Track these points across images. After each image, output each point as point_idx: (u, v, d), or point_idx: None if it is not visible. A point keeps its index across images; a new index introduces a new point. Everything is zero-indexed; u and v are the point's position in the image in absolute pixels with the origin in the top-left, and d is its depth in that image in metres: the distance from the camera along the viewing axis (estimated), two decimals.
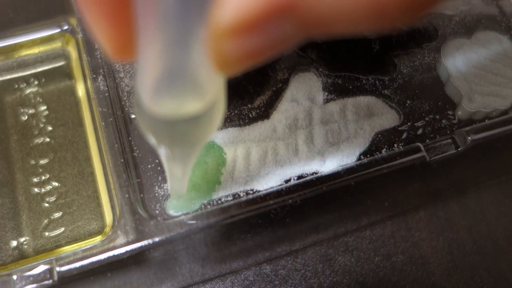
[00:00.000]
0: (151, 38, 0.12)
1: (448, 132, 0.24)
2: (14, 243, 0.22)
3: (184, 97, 0.13)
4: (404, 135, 0.24)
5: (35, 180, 0.23)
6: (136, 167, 0.23)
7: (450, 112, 0.25)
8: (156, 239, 0.20)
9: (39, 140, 0.24)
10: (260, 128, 0.24)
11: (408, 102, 0.25)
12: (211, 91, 0.13)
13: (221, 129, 0.24)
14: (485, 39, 0.28)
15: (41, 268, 0.20)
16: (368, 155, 0.23)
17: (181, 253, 0.23)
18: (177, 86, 0.13)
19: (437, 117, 0.25)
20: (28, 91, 0.26)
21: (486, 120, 0.25)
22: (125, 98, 0.24)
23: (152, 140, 0.15)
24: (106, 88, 0.24)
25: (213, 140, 0.24)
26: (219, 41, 0.11)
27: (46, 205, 0.23)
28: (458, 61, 0.26)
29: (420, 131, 0.24)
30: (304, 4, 0.10)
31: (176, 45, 0.12)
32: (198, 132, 0.15)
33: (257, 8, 0.10)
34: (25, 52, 0.26)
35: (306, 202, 0.22)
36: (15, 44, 0.26)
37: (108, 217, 0.23)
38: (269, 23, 0.10)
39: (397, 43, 0.26)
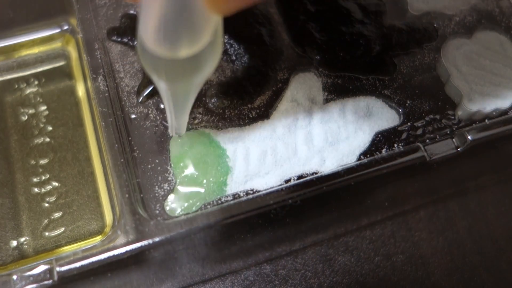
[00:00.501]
0: None
1: (448, 132, 0.24)
2: (14, 243, 0.22)
3: (182, 37, 0.14)
4: (404, 135, 0.24)
5: (35, 180, 0.23)
6: (136, 167, 0.23)
7: (450, 112, 0.25)
8: (156, 239, 0.20)
9: (39, 140, 0.24)
10: (260, 128, 0.24)
11: (408, 102, 0.25)
12: (207, 32, 0.15)
13: (221, 129, 0.24)
14: (485, 39, 0.27)
15: (41, 268, 0.20)
16: (368, 155, 0.23)
17: (181, 253, 0.23)
18: (175, 27, 0.14)
19: (437, 117, 0.25)
20: (28, 91, 0.26)
21: (486, 120, 0.25)
22: (125, 98, 0.24)
23: (153, 77, 0.16)
24: (106, 88, 0.24)
25: (213, 140, 0.24)
26: None
27: (46, 205, 0.23)
28: (458, 61, 0.26)
29: (420, 131, 0.24)
30: None
31: None
32: (195, 69, 0.16)
33: None
34: (25, 52, 0.26)
35: (306, 202, 0.22)
36: (15, 44, 0.26)
37: (108, 217, 0.23)
38: None
39: (397, 43, 0.26)
